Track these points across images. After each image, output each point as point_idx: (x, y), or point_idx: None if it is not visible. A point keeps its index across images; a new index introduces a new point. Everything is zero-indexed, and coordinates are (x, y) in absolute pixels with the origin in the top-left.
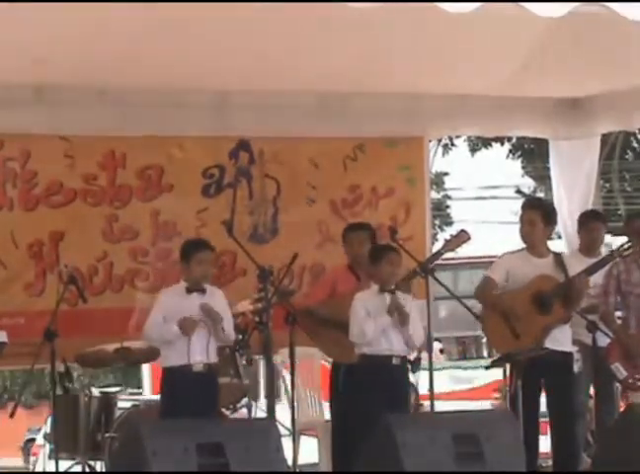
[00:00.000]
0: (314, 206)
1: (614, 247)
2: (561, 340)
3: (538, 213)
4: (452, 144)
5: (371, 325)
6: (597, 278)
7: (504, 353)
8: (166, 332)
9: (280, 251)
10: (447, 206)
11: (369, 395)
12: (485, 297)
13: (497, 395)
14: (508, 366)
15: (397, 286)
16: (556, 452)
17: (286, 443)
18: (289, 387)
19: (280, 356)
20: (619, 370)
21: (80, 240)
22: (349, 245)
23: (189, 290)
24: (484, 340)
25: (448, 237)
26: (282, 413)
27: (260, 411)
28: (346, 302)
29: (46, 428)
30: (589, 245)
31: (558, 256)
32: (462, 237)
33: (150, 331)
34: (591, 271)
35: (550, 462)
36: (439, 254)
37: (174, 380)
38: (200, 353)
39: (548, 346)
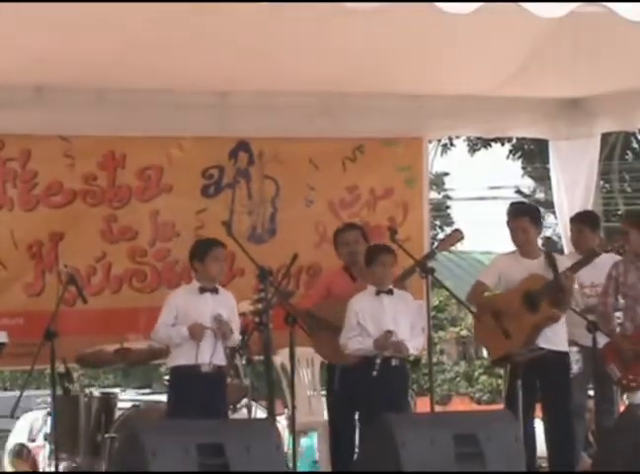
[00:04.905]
0: (312, 207)
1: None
2: (555, 340)
3: (527, 219)
4: (452, 144)
5: (356, 344)
6: (598, 278)
7: (498, 355)
8: (175, 334)
9: (278, 251)
10: (448, 207)
11: (366, 395)
12: (476, 301)
13: None
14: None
15: (394, 285)
16: (554, 453)
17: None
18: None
19: (280, 357)
20: (614, 371)
21: (79, 240)
22: (344, 245)
23: (202, 290)
24: None
25: (442, 237)
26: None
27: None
28: (339, 305)
29: (46, 428)
30: (573, 245)
31: (550, 255)
32: (456, 236)
33: (160, 332)
34: (575, 268)
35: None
36: (432, 253)
37: (181, 380)
38: (208, 355)
39: (543, 346)
